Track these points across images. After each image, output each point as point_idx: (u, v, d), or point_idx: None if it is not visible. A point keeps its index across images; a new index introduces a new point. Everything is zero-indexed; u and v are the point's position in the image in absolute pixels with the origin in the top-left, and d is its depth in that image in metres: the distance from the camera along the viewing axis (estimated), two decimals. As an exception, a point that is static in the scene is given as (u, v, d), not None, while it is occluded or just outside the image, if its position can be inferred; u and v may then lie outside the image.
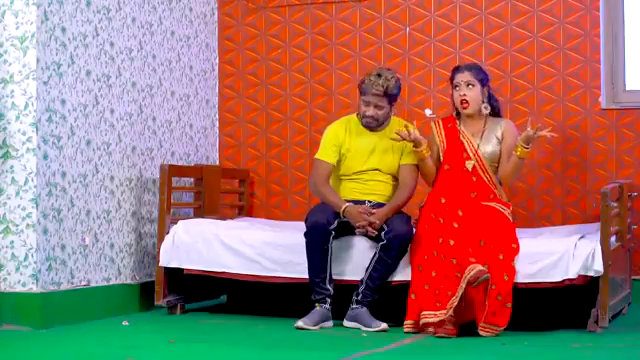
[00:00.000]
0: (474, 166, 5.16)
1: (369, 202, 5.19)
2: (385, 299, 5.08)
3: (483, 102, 5.18)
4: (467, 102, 5.14)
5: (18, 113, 4.96)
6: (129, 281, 5.66)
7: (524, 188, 5.92)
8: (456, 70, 5.21)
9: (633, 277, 5.68)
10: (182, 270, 5.47)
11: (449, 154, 5.20)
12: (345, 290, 5.10)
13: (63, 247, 5.13)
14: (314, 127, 6.35)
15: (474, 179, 5.14)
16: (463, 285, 4.76)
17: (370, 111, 5.16)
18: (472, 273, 4.74)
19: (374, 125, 5.21)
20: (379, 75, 5.11)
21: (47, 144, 5.01)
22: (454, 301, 4.75)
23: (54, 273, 5.06)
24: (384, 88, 5.09)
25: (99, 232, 5.41)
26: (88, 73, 5.33)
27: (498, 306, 4.78)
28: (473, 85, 5.14)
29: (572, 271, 4.83)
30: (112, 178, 5.52)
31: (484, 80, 5.18)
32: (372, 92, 5.11)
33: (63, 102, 5.13)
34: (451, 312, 4.75)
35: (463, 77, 5.15)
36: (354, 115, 5.36)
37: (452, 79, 5.20)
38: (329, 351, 4.37)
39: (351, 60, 6.33)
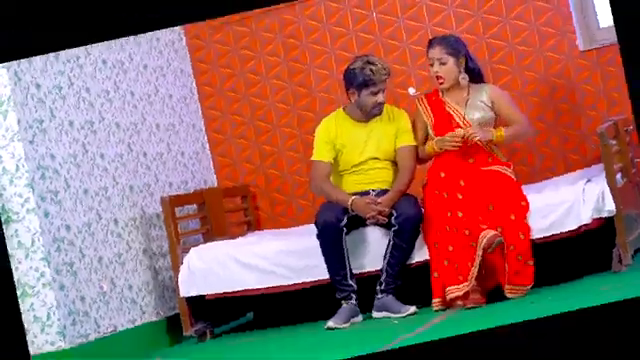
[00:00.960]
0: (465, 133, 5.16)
1: (373, 191, 5.19)
2: (408, 282, 5.08)
3: (460, 73, 5.18)
4: (442, 78, 5.15)
5: (11, 177, 4.95)
6: (154, 318, 5.65)
7: (521, 145, 5.90)
8: (428, 46, 5.21)
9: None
10: (204, 296, 5.47)
11: (438, 127, 5.20)
12: (368, 282, 5.09)
13: (83, 299, 5.12)
14: (303, 129, 6.34)
15: (468, 145, 5.14)
16: (479, 253, 4.77)
17: (381, 98, 5.16)
18: (485, 240, 4.75)
19: (382, 110, 5.21)
20: (370, 62, 5.12)
21: (45, 201, 5.01)
22: (474, 271, 4.76)
23: (79, 326, 5.06)
24: (387, 70, 5.13)
25: (115, 277, 5.41)
26: (71, 123, 5.33)
27: (520, 266, 4.78)
28: (446, 60, 5.14)
29: (585, 216, 4.84)
30: (116, 221, 5.51)
31: (458, 51, 5.16)
32: (382, 79, 5.12)
33: (53, 157, 5.13)
34: (474, 282, 4.76)
35: (434, 53, 5.15)
36: (340, 110, 5.36)
37: (427, 54, 5.21)
38: (367, 344, 4.34)
39: (326, 56, 6.32)
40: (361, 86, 5.13)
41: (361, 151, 5.23)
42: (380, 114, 5.21)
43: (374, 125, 5.24)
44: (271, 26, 6.40)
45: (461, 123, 5.15)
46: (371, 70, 5.09)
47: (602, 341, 3.37)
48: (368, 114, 5.21)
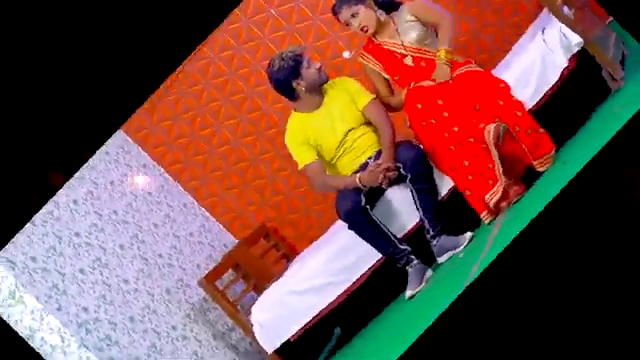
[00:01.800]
0: (413, 58, 5.15)
1: (369, 159, 5.19)
2: (451, 214, 5.07)
3: (376, 11, 5.18)
4: (365, 26, 5.15)
5: (61, 349, 4.95)
6: (259, 387, 5.67)
7: (467, 39, 5.90)
8: (335, 14, 5.20)
9: (605, 22, 5.66)
10: (288, 341, 5.47)
11: (389, 67, 5.21)
12: (418, 236, 5.09)
13: (189, 410, 5.13)
14: (278, 146, 6.33)
15: (423, 65, 5.13)
16: (493, 150, 4.77)
17: (317, 63, 5.18)
18: (491, 134, 4.76)
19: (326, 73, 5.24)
20: (280, 53, 5.16)
21: (103, 350, 5.01)
22: (498, 168, 4.77)
23: None
24: (295, 45, 5.25)
25: (203, 374, 5.41)
26: (82, 271, 5.32)
27: (534, 138, 4.78)
28: (356, 11, 5.13)
29: (560, 61, 4.86)
30: (174, 327, 5.51)
31: None
32: (302, 51, 5.16)
33: (85, 310, 5.13)
34: (504, 178, 4.77)
35: (344, 15, 5.15)
36: (292, 112, 5.34)
37: (339, 21, 5.22)
38: (451, 289, 4.33)
39: (256, 73, 6.31)
40: (297, 68, 5.11)
41: (334, 133, 5.22)
42: (327, 78, 5.21)
43: (327, 105, 5.22)
44: (194, 78, 6.40)
45: (404, 51, 5.16)
46: (289, 52, 5.12)
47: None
48: (320, 82, 5.17)
